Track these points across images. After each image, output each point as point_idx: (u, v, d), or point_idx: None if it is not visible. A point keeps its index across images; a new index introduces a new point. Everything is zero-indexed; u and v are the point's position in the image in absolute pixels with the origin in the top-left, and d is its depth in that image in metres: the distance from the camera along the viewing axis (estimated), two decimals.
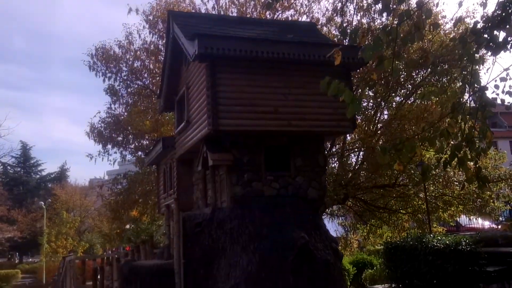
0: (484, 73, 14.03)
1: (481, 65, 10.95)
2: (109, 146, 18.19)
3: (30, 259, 52.56)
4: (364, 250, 27.53)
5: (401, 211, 20.94)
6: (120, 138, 18.16)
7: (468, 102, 5.86)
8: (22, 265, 43.14)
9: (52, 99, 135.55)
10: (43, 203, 37.62)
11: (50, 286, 12.83)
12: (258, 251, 6.57)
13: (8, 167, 57.11)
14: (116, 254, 9.50)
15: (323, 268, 6.75)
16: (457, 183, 17.38)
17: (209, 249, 6.91)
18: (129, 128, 17.60)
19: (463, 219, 23.86)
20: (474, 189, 17.41)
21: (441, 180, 17.28)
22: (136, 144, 18.69)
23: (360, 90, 15.13)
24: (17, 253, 51.84)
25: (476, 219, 23.71)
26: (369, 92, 15.04)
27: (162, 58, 13.29)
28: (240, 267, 6.45)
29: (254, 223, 6.83)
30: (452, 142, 5.67)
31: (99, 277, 8.59)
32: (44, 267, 31.57)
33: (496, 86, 5.20)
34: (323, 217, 22.11)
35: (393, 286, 13.98)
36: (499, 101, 5.50)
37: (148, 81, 18.03)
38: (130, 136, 18.16)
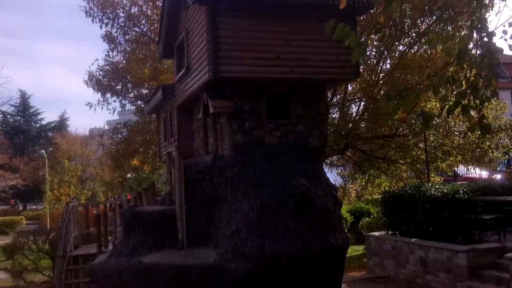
0: (490, 21, 13.69)
1: (490, 10, 10.67)
2: (108, 95, 18.03)
3: (34, 207, 53.55)
4: (362, 199, 28.03)
5: (400, 161, 21.09)
6: (119, 87, 17.97)
7: (475, 48, 5.74)
8: (26, 212, 44.04)
9: (50, 48, 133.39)
10: (44, 151, 37.85)
11: (55, 231, 13.10)
12: (259, 197, 6.64)
13: (8, 116, 57.05)
14: (118, 201, 9.63)
15: (323, 214, 6.85)
16: (457, 133, 17.42)
17: (211, 196, 6.99)
18: (128, 76, 17.39)
19: (461, 169, 24.10)
20: (473, 139, 17.46)
21: (441, 130, 17.30)
22: (136, 93, 18.52)
23: (365, 36, 14.82)
24: (18, 201, 52.65)
25: (474, 169, 23.92)
26: (375, 37, 14.70)
27: (160, 4, 12.90)
28: (241, 213, 6.54)
29: (255, 171, 6.86)
30: (456, 91, 5.59)
31: (102, 223, 8.73)
32: (48, 214, 32.22)
33: (505, 32, 5.06)
34: (322, 166, 22.26)
35: (389, 233, 14.27)
36: (506, 47, 5.37)
37: (146, 28, 17.61)
38: (129, 84, 17.96)
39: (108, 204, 9.93)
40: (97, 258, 7.75)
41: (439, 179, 20.98)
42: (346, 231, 20.06)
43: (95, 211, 13.55)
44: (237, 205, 6.64)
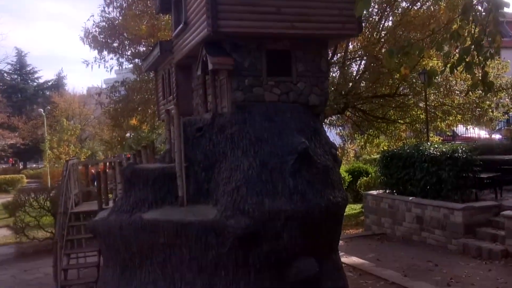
0: None
1: None
2: (105, 53, 17.71)
3: (34, 165, 53.90)
4: (360, 159, 28.21)
5: (399, 121, 21.07)
6: (116, 44, 17.62)
7: (479, 5, 5.59)
8: (26, 171, 44.37)
9: (44, 4, 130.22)
10: (42, 110, 37.70)
11: (55, 189, 13.21)
12: (259, 155, 6.63)
13: (5, 74, 56.42)
14: (118, 159, 9.65)
15: (322, 172, 6.87)
16: (458, 93, 17.31)
17: (210, 154, 6.97)
18: (125, 33, 17.03)
19: (460, 129, 24.12)
20: (474, 98, 17.37)
21: (442, 89, 17.18)
22: (133, 50, 18.19)
23: None
24: (18, 160, 52.86)
25: (473, 128, 23.93)
26: None
27: None
28: (241, 170, 6.55)
29: (254, 128, 6.83)
30: (459, 48, 5.50)
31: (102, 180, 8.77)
32: (48, 172, 32.44)
33: None
34: (322, 125, 22.25)
35: (387, 192, 14.44)
36: None
37: None
38: (126, 42, 17.62)
39: (108, 162, 9.93)
40: (98, 215, 7.83)
41: (437, 139, 21.01)
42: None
43: (93, 171, 13.62)
44: (237, 163, 6.64)
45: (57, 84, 57.27)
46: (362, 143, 24.47)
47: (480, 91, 16.34)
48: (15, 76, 57.10)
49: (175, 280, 6.56)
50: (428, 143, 13.77)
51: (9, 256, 12.73)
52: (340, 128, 25.77)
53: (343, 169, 21.63)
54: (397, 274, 9.26)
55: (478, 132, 24.67)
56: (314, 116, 7.41)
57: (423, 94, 16.47)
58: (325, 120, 22.01)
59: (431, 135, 21.14)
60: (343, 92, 16.11)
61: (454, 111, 18.01)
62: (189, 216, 6.44)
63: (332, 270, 7.24)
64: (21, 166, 52.32)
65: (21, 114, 46.74)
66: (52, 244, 8.51)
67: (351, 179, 21.38)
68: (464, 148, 12.04)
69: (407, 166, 13.17)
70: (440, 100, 17.69)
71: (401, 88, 18.80)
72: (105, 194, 8.74)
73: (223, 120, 6.99)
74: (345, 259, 10.64)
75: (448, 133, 22.73)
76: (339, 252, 11.44)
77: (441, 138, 22.49)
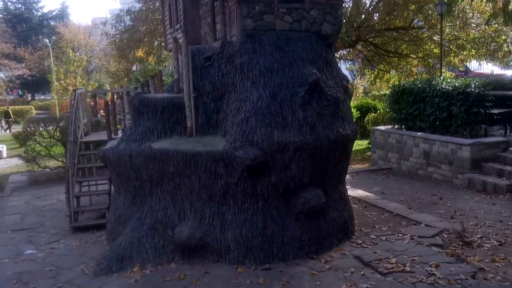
0: None
1: None
2: None
3: (42, 97, 54.04)
4: (369, 95, 27.92)
5: (412, 55, 20.60)
6: None
7: None
8: (34, 102, 44.52)
9: None
10: (47, 40, 37.14)
11: (64, 120, 13.27)
12: (268, 86, 6.52)
13: (9, 3, 55.12)
14: (126, 89, 9.56)
15: (332, 104, 6.79)
16: (475, 26, 16.72)
17: (219, 84, 6.86)
18: None
19: (473, 65, 23.59)
20: (490, 32, 16.81)
21: (458, 22, 16.58)
22: None
23: None
24: (26, 91, 52.94)
25: (486, 64, 23.37)
26: None
27: None
28: (250, 101, 6.48)
29: (264, 58, 6.66)
30: None
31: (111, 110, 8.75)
32: (56, 104, 32.55)
33: None
34: (335, 55, 21.88)
35: (395, 127, 14.39)
36: None
37: None
38: None
39: (115, 92, 9.86)
40: (108, 144, 7.88)
41: (450, 74, 20.61)
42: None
43: (103, 101, 13.59)
44: (246, 94, 6.55)
45: (62, 14, 56.08)
46: (372, 78, 24.14)
47: (496, 25, 15.76)
48: (19, 5, 55.82)
49: (185, 207, 6.71)
50: (441, 78, 13.50)
51: (22, 184, 13.04)
52: (350, 62, 25.31)
53: (351, 105, 21.46)
54: (401, 207, 9.41)
55: (491, 68, 24.13)
56: (326, 46, 7.20)
57: (439, 26, 15.92)
58: (336, 54, 21.55)
59: (444, 70, 20.73)
60: (355, 25, 15.62)
61: (468, 45, 17.51)
62: (198, 147, 6.45)
63: (338, 201, 7.36)
64: (29, 98, 52.45)
65: (27, 45, 46.16)
66: (64, 172, 8.64)
67: (359, 115, 21.27)
68: (476, 83, 11.80)
69: (417, 101, 13.00)
70: (455, 33, 17.14)
71: (416, 21, 18.19)
72: (113, 124, 8.75)
73: (233, 49, 6.82)
74: (351, 191, 10.79)
75: (460, 68, 22.27)
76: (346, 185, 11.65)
77: (454, 74, 22.06)
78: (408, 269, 6.18)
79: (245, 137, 6.32)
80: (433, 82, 12.73)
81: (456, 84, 12.05)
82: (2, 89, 42.78)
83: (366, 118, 20.99)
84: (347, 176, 12.98)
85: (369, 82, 25.12)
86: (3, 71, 42.17)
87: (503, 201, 9.61)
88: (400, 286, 5.70)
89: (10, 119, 30.10)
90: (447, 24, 16.49)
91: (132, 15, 18.14)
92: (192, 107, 6.80)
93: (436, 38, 16.75)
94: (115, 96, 9.29)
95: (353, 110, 20.52)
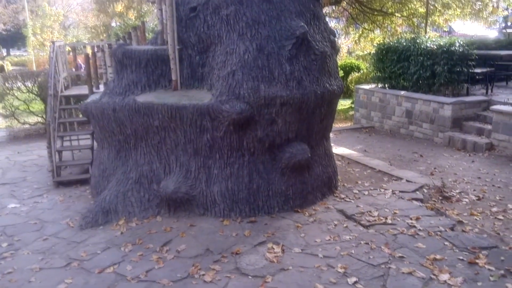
0: None
1: None
2: None
3: (18, 53, 52.33)
4: (353, 55, 27.79)
5: (396, 14, 20.42)
6: None
7: None
8: (10, 58, 43.12)
9: None
10: None
11: (42, 75, 12.90)
12: (255, 39, 6.39)
13: None
14: (107, 42, 9.28)
15: (320, 59, 6.71)
16: None
17: (205, 36, 6.69)
18: None
19: (457, 25, 23.57)
20: None
21: None
22: None
23: None
24: (1, 46, 51.11)
25: (471, 23, 23.40)
26: None
27: None
28: (237, 54, 6.35)
29: (251, 10, 6.49)
30: None
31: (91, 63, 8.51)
32: (33, 59, 31.56)
33: None
34: (322, 9, 21.59)
35: (379, 86, 14.43)
36: None
37: None
38: None
39: (96, 46, 9.57)
40: (90, 97, 7.71)
41: (433, 34, 20.58)
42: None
43: (80, 60, 13.22)
44: (233, 47, 6.42)
45: None
46: (357, 37, 23.98)
47: None
48: None
49: (170, 161, 6.68)
50: (426, 37, 13.47)
51: (1, 140, 12.77)
52: (335, 21, 25.01)
53: None
54: (383, 163, 9.56)
55: (475, 29, 24.14)
56: (314, 0, 7.05)
57: None
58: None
59: (428, 30, 20.67)
60: None
61: (454, 3, 17.42)
62: (184, 100, 6.36)
63: (323, 156, 7.42)
64: (4, 54, 50.69)
65: None
66: (44, 127, 8.46)
67: (343, 74, 21.23)
68: (461, 42, 11.82)
69: (402, 59, 13.01)
70: None
71: None
72: (95, 78, 8.54)
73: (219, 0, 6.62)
74: (335, 149, 10.89)
75: (445, 29, 22.24)
76: None
77: (438, 34, 22.04)
78: (389, 221, 6.35)
79: (232, 91, 6.24)
80: (418, 41, 12.71)
81: (441, 43, 12.05)
82: None
83: (350, 77, 20.99)
84: (331, 134, 13.14)
85: (354, 42, 24.97)
86: None
87: (482, 159, 9.84)
88: (382, 238, 5.86)
89: None
90: None
91: None
92: (177, 59, 6.65)
93: None
94: (96, 49, 9.01)
95: None
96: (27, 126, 13.22)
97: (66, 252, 5.74)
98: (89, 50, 12.57)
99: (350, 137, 12.75)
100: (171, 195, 6.47)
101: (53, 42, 8.96)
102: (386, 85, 13.86)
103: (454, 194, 7.65)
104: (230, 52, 6.41)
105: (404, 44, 13.02)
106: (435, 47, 11.92)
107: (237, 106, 6.14)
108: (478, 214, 6.74)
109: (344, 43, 28.83)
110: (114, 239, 6.07)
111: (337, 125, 14.91)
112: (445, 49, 11.66)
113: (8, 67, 34.97)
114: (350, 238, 5.88)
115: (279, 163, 6.70)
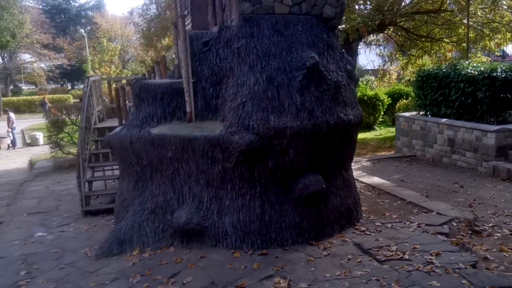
0: None
1: None
2: None
3: (82, 86, 55.68)
4: (402, 81, 27.14)
5: (445, 40, 19.84)
6: None
7: None
8: (73, 91, 45.97)
9: None
10: (83, 30, 38.10)
11: (79, 101, 13.61)
12: (265, 70, 6.42)
13: None
14: (135, 77, 9.68)
15: (332, 89, 6.61)
16: (506, 7, 15.90)
17: (217, 69, 6.81)
18: None
19: (510, 48, 22.51)
20: None
21: (489, 3, 15.81)
22: None
23: None
24: (66, 81, 54.57)
25: None
26: None
27: None
28: (247, 86, 6.40)
29: (262, 43, 6.55)
30: None
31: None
32: None
33: None
34: (359, 47, 21.31)
35: (420, 113, 13.98)
36: None
37: None
38: None
39: (128, 80, 10.00)
40: (114, 130, 8.01)
41: (485, 59, 19.72)
42: (382, 112, 19.72)
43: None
44: (243, 78, 6.48)
45: (98, 5, 57.46)
46: (404, 63, 23.48)
47: None
48: None
49: (184, 192, 6.75)
50: (467, 62, 12.93)
51: (47, 169, 13.52)
52: (381, 48, 24.66)
53: (383, 92, 20.90)
54: (415, 194, 9.13)
55: None
56: (328, 30, 7.00)
57: (469, 9, 15.21)
58: (363, 40, 21.02)
59: (479, 55, 19.87)
60: (379, 8, 15.14)
61: (503, 28, 16.66)
62: (196, 132, 6.45)
63: (341, 187, 7.21)
64: (69, 87, 54.17)
65: (65, 35, 47.60)
66: (75, 158, 8.87)
67: (391, 101, 20.71)
68: (504, 68, 11.23)
69: (442, 86, 12.53)
70: (488, 16, 16.33)
71: (448, 2, 17.46)
72: (124, 110, 8.88)
73: (230, 33, 6.74)
74: (366, 179, 10.57)
75: (497, 53, 21.26)
76: (363, 173, 11.40)
77: (490, 59, 21.10)
78: (406, 257, 6.00)
79: (241, 122, 6.26)
80: (458, 67, 12.22)
81: (482, 68, 11.52)
82: (42, 78, 44.38)
83: (398, 104, 20.45)
84: (367, 163, 12.76)
85: (401, 68, 24.45)
86: (43, 61, 43.70)
87: None
88: (395, 274, 5.54)
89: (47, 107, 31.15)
90: (478, 6, 15.74)
91: (156, 4, 18.33)
92: (191, 92, 6.80)
93: (466, 21, 16.05)
94: (125, 84, 9.42)
95: (384, 97, 19.97)
96: (70, 156, 13.93)
97: (77, 282, 5.88)
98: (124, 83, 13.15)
99: (390, 166, 12.32)
100: (183, 226, 6.51)
101: (88, 78, 9.46)
102: (428, 113, 13.37)
103: (486, 228, 7.13)
104: (241, 84, 6.47)
105: (444, 70, 12.57)
106: (476, 73, 11.40)
107: (246, 137, 6.14)
108: (508, 250, 6.22)
109: (393, 69, 28.27)
110: (125, 269, 6.15)
111: (379, 153, 14.49)
112: (486, 75, 11.12)
113: (70, 100, 37.28)
114: (361, 274, 5.61)
115: (292, 194, 6.58)
